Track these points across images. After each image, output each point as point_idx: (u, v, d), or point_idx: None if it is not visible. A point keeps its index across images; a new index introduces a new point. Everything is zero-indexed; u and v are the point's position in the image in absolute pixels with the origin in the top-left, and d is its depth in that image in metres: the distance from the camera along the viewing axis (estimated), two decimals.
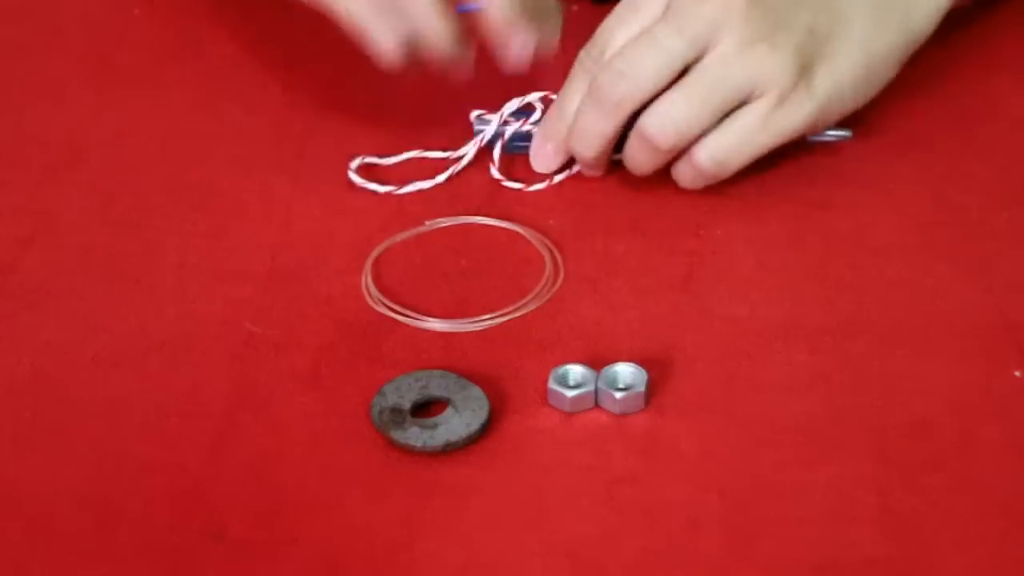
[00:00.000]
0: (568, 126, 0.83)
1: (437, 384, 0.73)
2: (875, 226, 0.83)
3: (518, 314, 0.78)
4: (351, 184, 0.85)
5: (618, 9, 0.84)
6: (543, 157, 0.86)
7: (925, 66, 0.93)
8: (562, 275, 0.80)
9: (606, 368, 0.73)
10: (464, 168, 0.86)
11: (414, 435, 0.71)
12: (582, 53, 0.84)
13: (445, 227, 0.83)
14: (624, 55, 0.81)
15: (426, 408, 0.73)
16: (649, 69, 0.80)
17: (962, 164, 0.87)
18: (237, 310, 0.78)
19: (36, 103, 0.93)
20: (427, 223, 0.83)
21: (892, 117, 0.90)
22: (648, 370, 0.73)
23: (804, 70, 0.81)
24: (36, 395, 0.74)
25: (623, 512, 0.68)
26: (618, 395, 0.72)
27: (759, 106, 0.81)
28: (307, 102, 0.92)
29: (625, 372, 0.73)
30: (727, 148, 0.81)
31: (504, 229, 0.83)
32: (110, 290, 0.80)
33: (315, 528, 0.68)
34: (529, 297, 0.79)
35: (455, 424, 0.71)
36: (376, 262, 0.81)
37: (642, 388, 0.72)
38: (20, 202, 0.85)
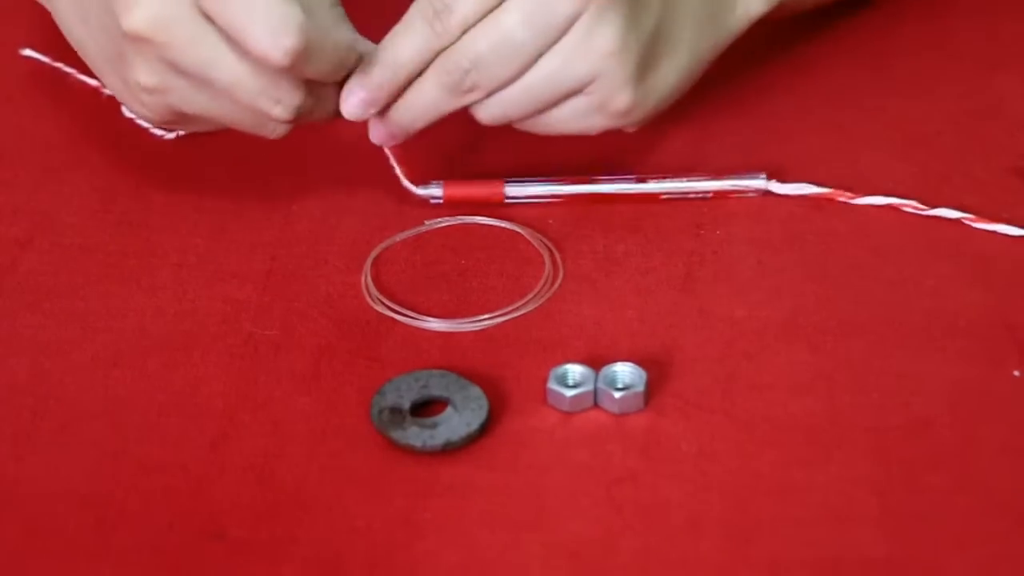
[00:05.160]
0: (394, 81, 0.77)
1: (437, 384, 0.73)
2: (874, 224, 0.83)
3: (517, 314, 0.78)
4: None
5: None
6: (353, 106, 0.78)
7: (925, 66, 0.94)
8: (561, 275, 0.80)
9: (605, 368, 0.73)
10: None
11: (414, 435, 0.71)
12: (422, 3, 0.77)
13: (445, 227, 0.83)
14: (474, 48, 0.76)
15: (426, 408, 0.73)
16: (500, 67, 0.76)
17: (962, 164, 0.86)
18: (237, 310, 0.78)
19: (36, 103, 0.93)
20: (427, 223, 0.83)
21: (891, 117, 0.90)
22: (647, 370, 0.73)
23: (640, 75, 0.78)
24: (36, 395, 0.74)
25: (622, 512, 0.68)
26: (617, 395, 0.72)
27: (584, 103, 0.78)
28: None
29: (624, 372, 0.73)
30: (522, 121, 0.79)
31: (504, 229, 0.83)
32: (110, 290, 0.80)
33: (315, 528, 0.68)
34: (528, 297, 0.79)
35: (455, 424, 0.71)
36: (376, 262, 0.81)
37: (641, 388, 0.72)
38: (19, 202, 0.85)
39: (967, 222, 0.82)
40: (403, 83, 0.78)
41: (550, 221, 0.83)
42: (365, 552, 0.67)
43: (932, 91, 0.92)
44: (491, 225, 0.83)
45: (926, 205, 0.83)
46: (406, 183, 0.83)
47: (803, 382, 0.74)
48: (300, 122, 0.77)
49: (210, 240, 0.82)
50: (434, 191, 0.83)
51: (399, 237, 0.82)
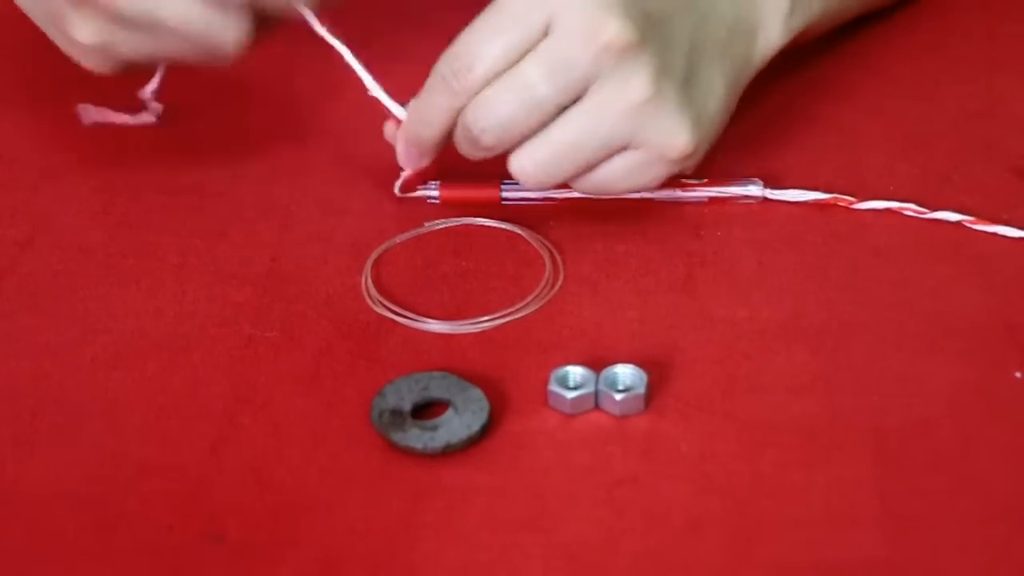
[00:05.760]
0: (434, 136, 0.78)
1: (437, 385, 0.73)
2: (875, 226, 0.83)
3: (518, 315, 0.78)
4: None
5: (487, 16, 0.76)
6: (411, 159, 0.80)
7: (925, 67, 0.94)
8: (562, 276, 0.80)
9: (606, 369, 0.73)
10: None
11: (414, 437, 0.71)
12: (443, 63, 0.76)
13: (445, 228, 0.83)
14: (491, 104, 0.75)
15: (426, 410, 0.73)
16: (520, 123, 0.75)
17: (962, 165, 0.87)
18: (237, 311, 0.78)
19: (35, 103, 0.93)
20: (427, 224, 0.83)
21: (892, 117, 0.90)
22: (648, 371, 0.73)
23: (686, 115, 0.77)
24: (36, 396, 0.74)
25: (623, 514, 0.68)
26: (618, 396, 0.72)
27: (639, 156, 0.77)
28: (306, 101, 0.92)
29: (625, 373, 0.73)
30: (567, 181, 0.78)
31: (504, 230, 0.83)
32: (109, 291, 0.80)
33: (315, 530, 0.68)
34: (529, 298, 0.79)
35: (455, 426, 0.71)
36: (376, 263, 0.81)
37: (642, 390, 0.72)
38: (18, 203, 0.85)
39: (967, 224, 0.82)
40: (440, 138, 0.78)
41: (550, 222, 0.83)
42: (365, 554, 0.67)
43: (932, 92, 0.92)
44: (491, 226, 0.83)
45: (926, 208, 0.83)
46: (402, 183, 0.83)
47: (803, 383, 0.74)
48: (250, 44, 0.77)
49: (210, 241, 0.82)
50: (430, 191, 0.83)
51: (399, 238, 0.82)
